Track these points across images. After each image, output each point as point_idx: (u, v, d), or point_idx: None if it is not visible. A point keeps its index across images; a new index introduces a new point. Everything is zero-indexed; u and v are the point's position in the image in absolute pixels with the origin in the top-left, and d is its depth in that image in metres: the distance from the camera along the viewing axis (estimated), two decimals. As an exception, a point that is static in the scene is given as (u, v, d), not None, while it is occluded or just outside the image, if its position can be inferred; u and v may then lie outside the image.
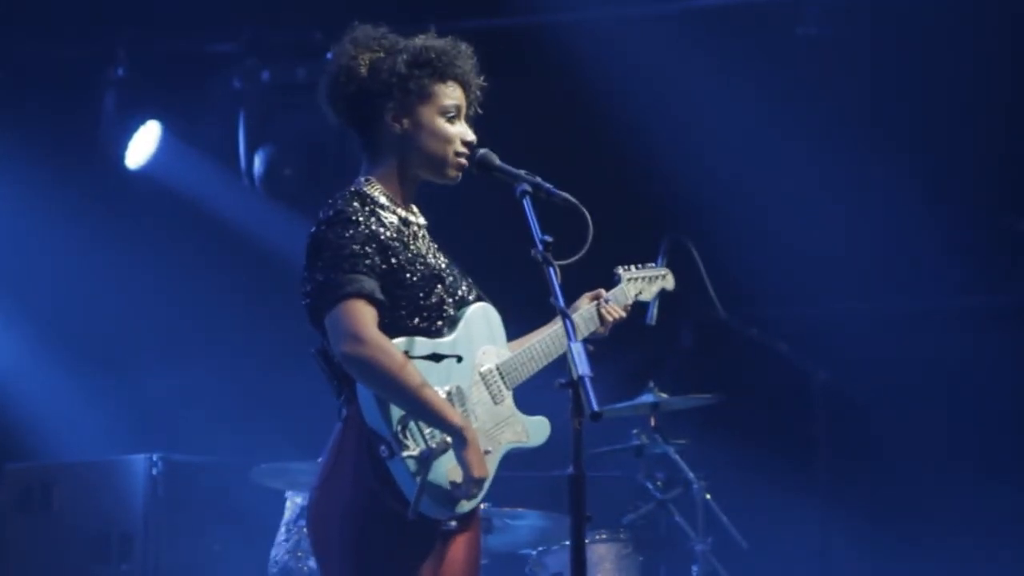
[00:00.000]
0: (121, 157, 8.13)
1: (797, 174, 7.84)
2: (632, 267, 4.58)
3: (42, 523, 7.46)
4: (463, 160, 4.02)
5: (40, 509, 7.48)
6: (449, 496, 3.83)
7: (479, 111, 4.11)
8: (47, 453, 7.93)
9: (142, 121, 8.12)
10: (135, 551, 7.28)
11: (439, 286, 3.96)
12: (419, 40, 4.04)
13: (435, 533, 3.87)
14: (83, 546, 7.35)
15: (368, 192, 3.98)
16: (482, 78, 4.09)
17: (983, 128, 7.90)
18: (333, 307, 3.78)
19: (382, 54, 4.01)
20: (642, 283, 4.56)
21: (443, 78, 4.01)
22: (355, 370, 3.78)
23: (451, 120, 4.02)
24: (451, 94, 4.02)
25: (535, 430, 4.05)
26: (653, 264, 4.63)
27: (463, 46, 4.06)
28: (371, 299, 3.79)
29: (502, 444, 3.98)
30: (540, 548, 6.91)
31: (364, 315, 3.77)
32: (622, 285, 4.47)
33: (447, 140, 4.00)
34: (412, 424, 3.79)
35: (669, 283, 4.67)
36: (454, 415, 3.82)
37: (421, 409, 3.78)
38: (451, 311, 3.98)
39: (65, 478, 7.52)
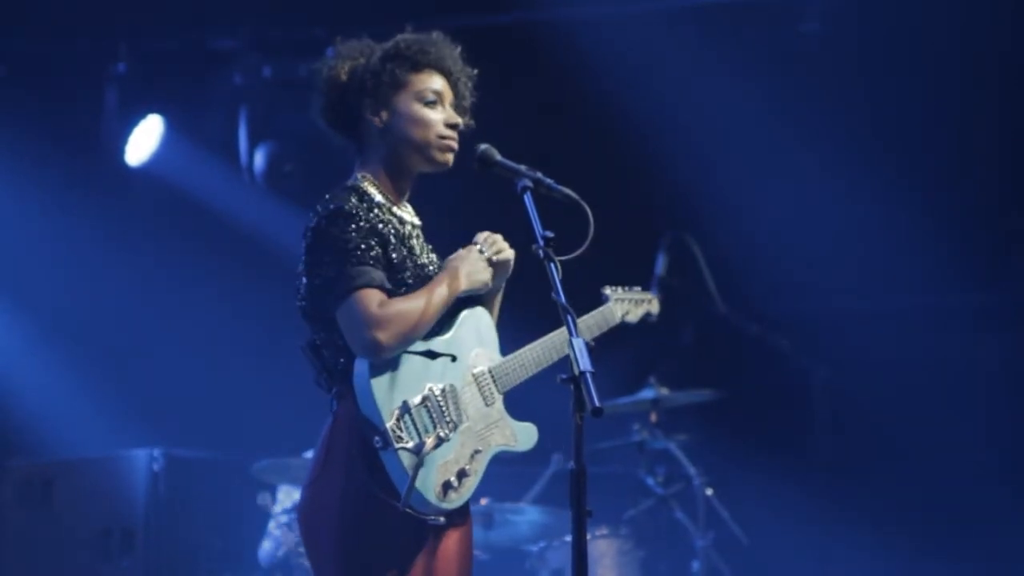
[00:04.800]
0: (122, 152, 8.13)
1: (798, 171, 7.84)
2: (619, 288, 4.59)
3: (43, 519, 7.46)
4: (449, 142, 4.02)
5: (41, 505, 7.48)
6: (439, 491, 3.84)
7: (472, 98, 4.11)
8: (48, 449, 7.93)
9: (143, 117, 8.12)
10: (136, 547, 7.29)
11: (430, 286, 3.98)
12: (395, 38, 4.06)
13: (425, 528, 3.88)
14: (84, 542, 7.35)
15: (364, 189, 3.99)
16: (468, 67, 4.09)
17: (984, 127, 7.90)
18: (344, 299, 3.79)
19: (362, 60, 4.04)
20: (629, 304, 4.57)
21: (416, 67, 4.02)
22: (392, 347, 3.79)
23: (430, 105, 4.02)
24: (427, 81, 4.02)
25: (523, 435, 4.07)
26: (639, 288, 4.63)
27: (436, 35, 4.08)
28: (381, 288, 3.81)
29: (492, 445, 3.99)
30: (541, 544, 6.91)
31: (376, 300, 3.79)
32: (610, 304, 4.49)
33: (426, 124, 4.01)
34: (407, 417, 3.80)
35: (654, 308, 4.68)
36: (441, 279, 3.91)
37: (447, 305, 3.90)
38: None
39: (66, 474, 7.52)
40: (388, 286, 3.83)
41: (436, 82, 4.03)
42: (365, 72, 4.00)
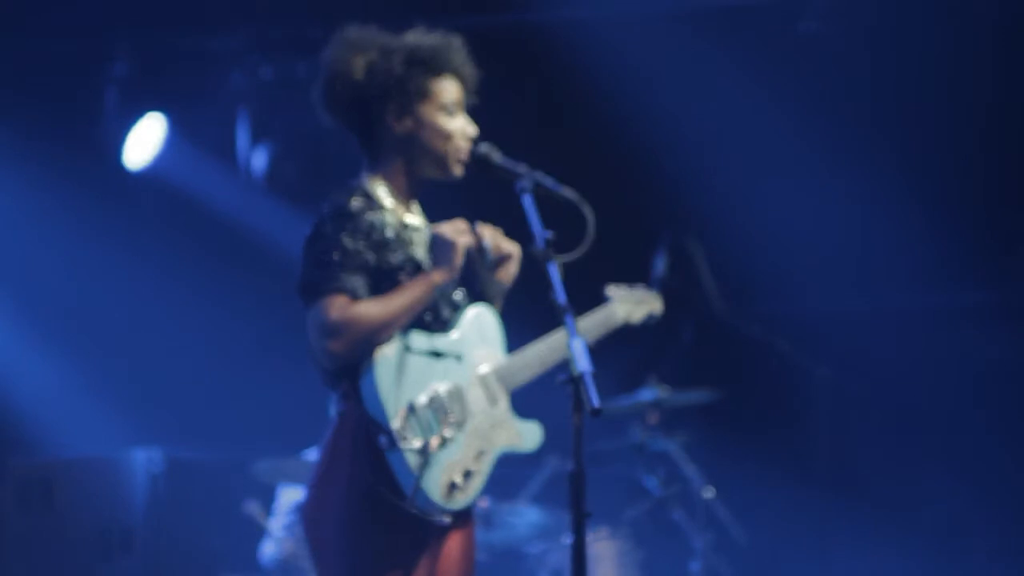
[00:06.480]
0: (122, 153, 8.13)
1: (798, 171, 7.84)
2: (622, 288, 4.59)
3: (43, 519, 7.45)
4: (463, 155, 4.03)
5: (41, 505, 7.47)
6: (444, 491, 3.84)
7: (476, 101, 4.12)
8: (48, 449, 7.92)
9: (143, 117, 8.12)
10: (136, 547, 7.28)
11: (434, 288, 3.98)
12: (411, 38, 4.05)
13: (430, 529, 3.88)
14: (84, 542, 7.35)
15: (371, 190, 3.99)
16: (475, 68, 4.10)
17: (984, 126, 7.89)
18: (311, 305, 3.83)
19: (375, 55, 4.01)
20: (632, 305, 4.58)
21: (439, 74, 4.02)
22: (346, 355, 3.79)
23: (451, 115, 4.03)
24: (448, 88, 4.03)
25: (528, 435, 4.08)
26: (643, 287, 4.64)
27: (454, 39, 4.08)
28: (352, 296, 3.81)
29: (497, 445, 3.99)
30: (540, 545, 6.91)
31: (337, 307, 3.79)
32: (612, 305, 4.49)
33: (449, 136, 4.02)
34: (413, 417, 3.81)
35: (657, 307, 4.69)
36: (422, 278, 3.87)
37: (413, 309, 3.85)
38: (446, 312, 3.99)
39: (66, 474, 7.51)
40: (362, 294, 3.82)
41: (455, 89, 4.04)
42: (388, 76, 3.98)
